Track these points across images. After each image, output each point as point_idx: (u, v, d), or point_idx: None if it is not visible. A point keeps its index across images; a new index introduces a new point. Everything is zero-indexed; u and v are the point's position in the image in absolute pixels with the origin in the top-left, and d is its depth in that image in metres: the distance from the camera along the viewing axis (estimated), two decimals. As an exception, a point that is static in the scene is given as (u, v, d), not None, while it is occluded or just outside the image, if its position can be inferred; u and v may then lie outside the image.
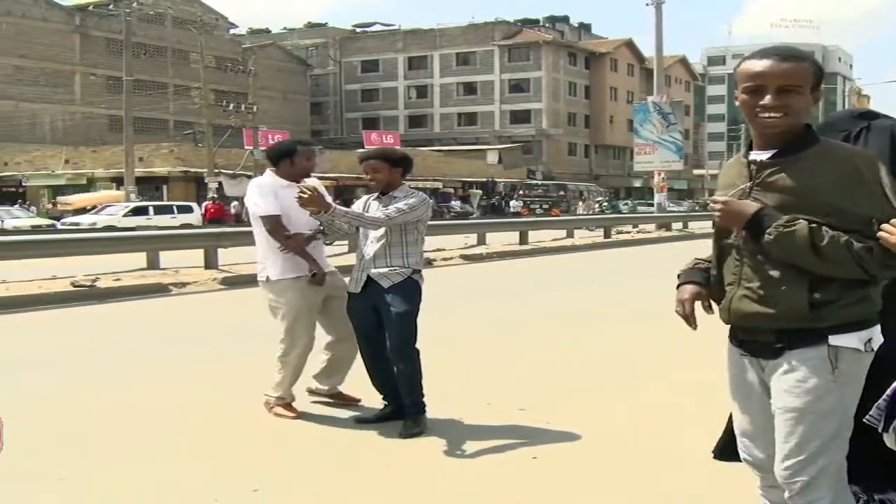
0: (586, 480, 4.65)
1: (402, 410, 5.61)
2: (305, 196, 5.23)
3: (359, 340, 5.72)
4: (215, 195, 40.15)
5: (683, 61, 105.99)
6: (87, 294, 13.23)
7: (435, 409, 6.03)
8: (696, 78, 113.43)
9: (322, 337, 6.13)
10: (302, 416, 5.92)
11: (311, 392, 6.22)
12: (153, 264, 17.31)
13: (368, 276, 5.52)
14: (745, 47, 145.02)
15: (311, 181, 5.86)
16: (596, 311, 11.88)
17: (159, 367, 7.81)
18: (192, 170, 52.52)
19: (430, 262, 19.94)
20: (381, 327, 5.50)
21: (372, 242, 5.55)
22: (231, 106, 51.39)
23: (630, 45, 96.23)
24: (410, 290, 5.51)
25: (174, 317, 11.75)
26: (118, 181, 49.05)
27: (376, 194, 5.67)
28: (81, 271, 14.90)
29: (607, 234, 31.36)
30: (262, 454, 5.15)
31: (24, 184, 56.69)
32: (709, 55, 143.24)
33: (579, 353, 8.52)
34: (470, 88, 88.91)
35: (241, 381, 6.82)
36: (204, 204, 39.25)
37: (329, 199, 5.57)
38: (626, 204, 71.28)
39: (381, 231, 5.51)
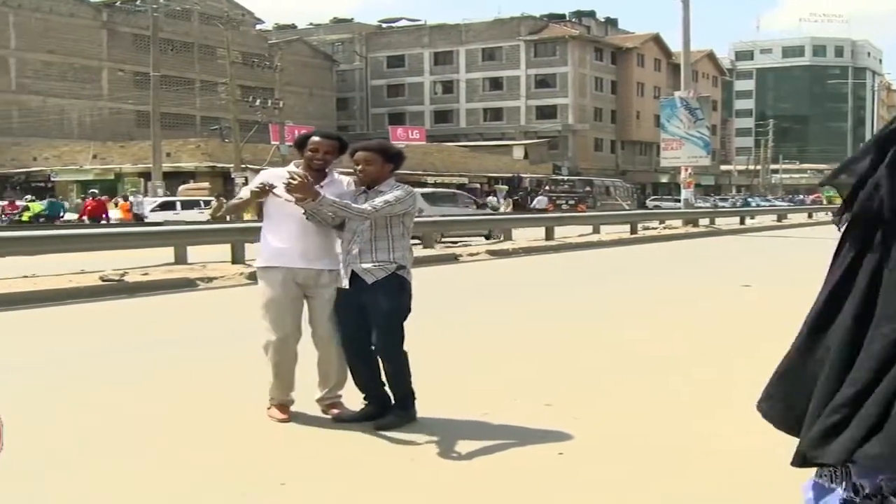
0: (613, 477, 4.63)
1: (383, 411, 5.55)
2: (295, 182, 5.20)
3: (341, 337, 5.60)
4: (95, 191, 38.33)
5: (711, 56, 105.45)
6: (116, 288, 13.32)
7: (461, 404, 6.05)
8: (723, 73, 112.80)
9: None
10: (321, 413, 5.88)
11: (316, 400, 5.91)
12: (181, 259, 17.40)
13: (353, 271, 5.44)
14: (774, 42, 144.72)
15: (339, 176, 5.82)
16: (623, 306, 11.85)
17: (187, 362, 7.86)
18: (219, 165, 52.81)
19: (456, 258, 19.98)
20: (364, 325, 5.40)
21: (357, 237, 5.45)
22: (257, 101, 51.58)
23: (657, 39, 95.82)
24: (396, 287, 5.41)
25: (201, 311, 11.83)
26: (146, 176, 49.39)
27: (362, 189, 5.56)
28: (110, 266, 15.00)
29: (633, 230, 31.26)
30: (289, 449, 5.17)
31: (52, 179, 57.19)
32: (737, 50, 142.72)
33: (607, 348, 8.49)
34: (496, 84, 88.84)
35: (267, 376, 6.83)
36: (85, 200, 36.86)
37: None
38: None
39: (366, 225, 5.42)
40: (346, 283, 5.49)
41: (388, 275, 5.39)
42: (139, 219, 33.79)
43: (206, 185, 47.15)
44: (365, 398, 5.67)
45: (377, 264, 5.39)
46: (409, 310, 5.52)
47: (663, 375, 7.18)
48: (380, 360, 5.45)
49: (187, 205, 36.91)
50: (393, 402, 5.58)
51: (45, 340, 9.25)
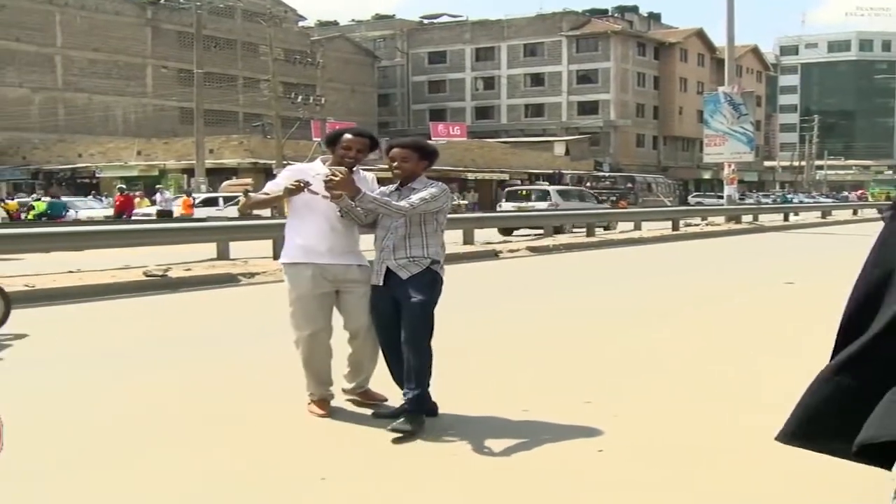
0: (654, 475, 4.59)
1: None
2: (337, 178, 5.21)
3: (378, 333, 5.61)
4: (123, 186, 39.15)
5: (755, 51, 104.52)
6: (159, 283, 13.44)
7: (501, 400, 6.04)
8: (768, 68, 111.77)
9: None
10: (361, 410, 5.90)
11: (344, 392, 5.99)
12: (223, 254, 17.54)
13: (388, 267, 5.46)
14: (819, 37, 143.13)
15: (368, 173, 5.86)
16: (664, 303, 11.77)
17: (229, 356, 7.92)
18: (261, 161, 53.10)
19: (496, 254, 19.96)
20: (400, 321, 5.40)
21: (391, 234, 5.47)
22: (299, 98, 51.85)
23: (700, 34, 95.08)
24: (429, 280, 5.42)
25: (243, 306, 11.91)
26: (189, 172, 49.82)
27: (394, 186, 5.61)
28: (153, 261, 15.15)
29: (675, 227, 31.07)
30: (329, 444, 5.20)
31: (97, 175, 57.85)
32: (781, 45, 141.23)
33: (647, 346, 8.44)
34: (537, 79, 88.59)
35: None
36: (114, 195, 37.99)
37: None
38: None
39: (400, 222, 5.43)
40: (380, 280, 5.50)
41: (422, 269, 5.42)
42: (167, 214, 34.00)
43: (248, 181, 47.41)
44: (405, 394, 5.67)
45: (411, 260, 5.42)
46: (436, 302, 5.50)
47: (711, 373, 7.12)
48: (405, 351, 5.40)
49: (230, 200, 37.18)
50: (406, 400, 5.41)
51: (85, 336, 9.34)
